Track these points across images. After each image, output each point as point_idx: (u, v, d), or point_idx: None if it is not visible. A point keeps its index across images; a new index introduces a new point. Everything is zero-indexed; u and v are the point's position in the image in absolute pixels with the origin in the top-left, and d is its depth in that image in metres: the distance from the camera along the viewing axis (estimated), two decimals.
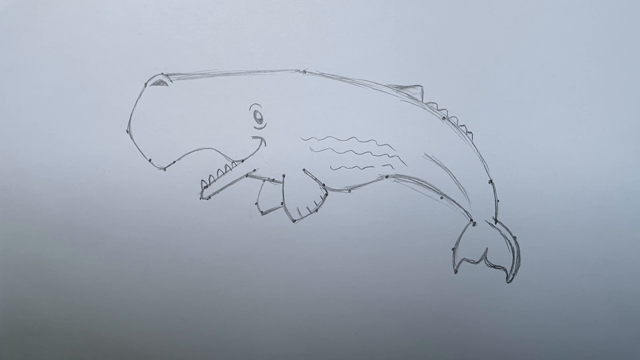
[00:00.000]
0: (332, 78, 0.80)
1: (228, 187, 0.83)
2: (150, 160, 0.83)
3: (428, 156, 0.82)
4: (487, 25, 0.78)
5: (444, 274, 0.85)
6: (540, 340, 0.87)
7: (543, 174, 0.81)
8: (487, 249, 0.84)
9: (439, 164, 0.82)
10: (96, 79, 0.82)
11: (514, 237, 0.83)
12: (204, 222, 0.84)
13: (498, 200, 0.82)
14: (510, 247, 0.83)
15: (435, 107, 0.81)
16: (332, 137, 0.81)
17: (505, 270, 0.84)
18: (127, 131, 0.83)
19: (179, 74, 0.81)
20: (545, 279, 0.85)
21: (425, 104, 0.80)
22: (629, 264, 0.84)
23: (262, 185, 0.83)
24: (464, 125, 0.81)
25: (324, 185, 0.83)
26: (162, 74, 0.81)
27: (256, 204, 0.84)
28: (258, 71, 0.80)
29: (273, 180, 0.83)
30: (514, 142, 0.81)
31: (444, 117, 0.81)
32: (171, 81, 0.81)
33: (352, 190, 0.83)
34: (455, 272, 0.85)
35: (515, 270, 0.84)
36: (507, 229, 0.83)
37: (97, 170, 0.84)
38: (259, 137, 0.82)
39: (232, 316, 0.88)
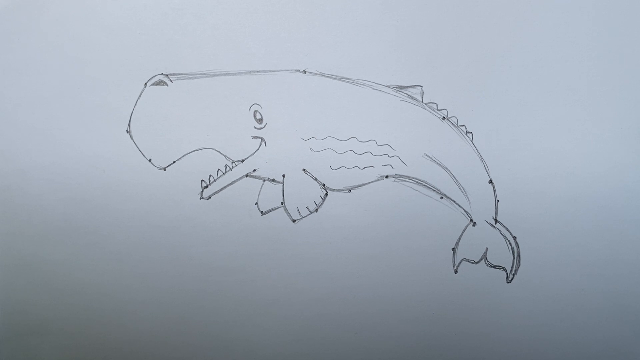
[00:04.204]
0: (332, 78, 0.80)
1: (228, 187, 0.83)
2: (150, 160, 0.83)
3: (428, 156, 0.82)
4: (487, 25, 0.78)
5: (444, 274, 0.85)
6: (540, 340, 0.87)
7: (543, 174, 0.81)
8: (487, 249, 0.84)
9: (439, 164, 0.82)
10: (96, 79, 0.82)
11: (514, 237, 0.83)
12: (204, 222, 0.84)
13: (498, 200, 0.82)
14: (510, 247, 0.83)
15: (435, 107, 0.81)
16: (332, 137, 0.81)
17: (505, 270, 0.84)
18: (127, 131, 0.83)
19: (179, 74, 0.81)
20: (545, 279, 0.85)
21: (425, 104, 0.80)
22: (629, 264, 0.84)
23: (262, 185, 0.83)
24: (464, 125, 0.81)
25: (324, 185, 0.83)
26: (162, 74, 0.81)
27: (256, 204, 0.84)
28: (258, 71, 0.80)
29: (273, 180, 0.83)
30: (514, 142, 0.81)
31: (444, 117, 0.81)
32: (171, 81, 0.81)
33: (352, 190, 0.83)
34: (455, 272, 0.85)
35: (515, 270, 0.84)
36: (507, 229, 0.83)
37: (97, 170, 0.84)
38: (259, 137, 0.82)
39: (232, 316, 0.88)
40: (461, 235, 0.83)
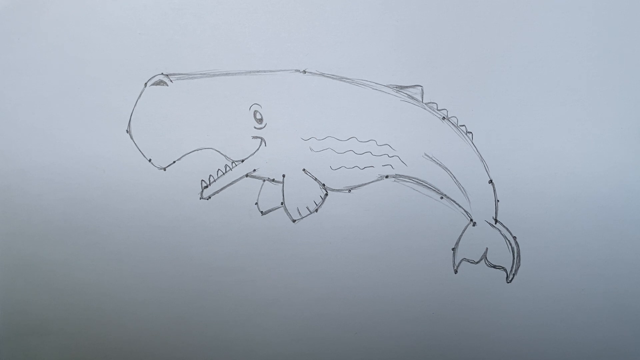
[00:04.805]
0: (332, 78, 0.80)
1: (228, 187, 0.83)
2: (150, 160, 0.83)
3: (428, 156, 0.82)
4: (487, 25, 0.78)
5: (444, 274, 0.85)
6: (540, 340, 0.87)
7: (543, 174, 0.81)
8: (487, 249, 0.84)
9: (439, 164, 0.82)
10: (96, 79, 0.82)
11: (514, 237, 0.83)
12: (204, 222, 0.84)
13: (498, 200, 0.82)
14: (510, 247, 0.83)
15: (435, 107, 0.81)
16: (332, 137, 0.81)
17: (505, 270, 0.84)
18: (127, 131, 0.83)
19: (179, 74, 0.81)
20: (545, 279, 0.85)
21: (425, 104, 0.80)
22: (629, 264, 0.84)
23: (262, 185, 0.83)
24: (464, 125, 0.81)
25: (324, 185, 0.83)
26: (162, 74, 0.81)
27: (256, 204, 0.84)
28: (258, 71, 0.80)
29: (273, 180, 0.83)
30: (514, 142, 0.81)
31: (444, 117, 0.81)
32: (171, 81, 0.81)
33: (352, 190, 0.83)
34: (455, 272, 0.85)
35: (515, 270, 0.84)
36: (507, 229, 0.83)
37: (97, 170, 0.84)
38: (259, 137, 0.82)
39: (232, 316, 0.88)
40: (461, 235, 0.83)
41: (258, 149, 0.82)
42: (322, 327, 0.88)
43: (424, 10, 0.78)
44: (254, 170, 0.83)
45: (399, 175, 0.82)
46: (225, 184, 0.83)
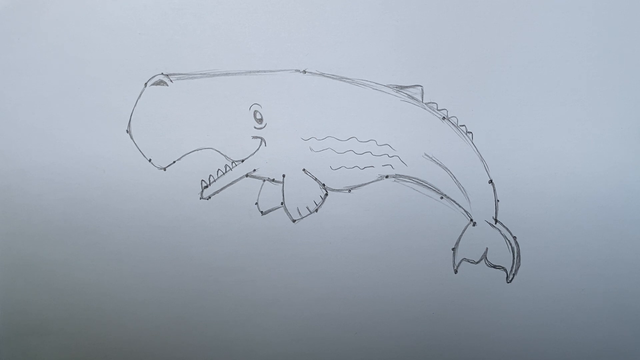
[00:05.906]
0: (332, 78, 0.80)
1: (228, 187, 0.83)
2: (150, 160, 0.83)
3: (428, 156, 0.82)
4: (487, 25, 0.78)
5: (444, 274, 0.85)
6: (540, 340, 0.87)
7: (543, 174, 0.81)
8: (487, 249, 0.84)
9: (439, 164, 0.82)
10: (96, 79, 0.82)
11: (514, 237, 0.83)
12: (204, 222, 0.84)
13: (498, 200, 0.82)
14: (510, 247, 0.83)
15: (435, 107, 0.81)
16: (332, 137, 0.81)
17: (505, 270, 0.84)
18: (127, 131, 0.83)
19: (179, 74, 0.81)
20: (545, 279, 0.85)
21: (425, 104, 0.80)
22: (629, 264, 0.84)
23: (262, 185, 0.83)
24: (464, 125, 0.81)
25: (324, 185, 0.83)
26: (162, 74, 0.81)
27: (256, 204, 0.84)
28: (258, 71, 0.80)
29: (273, 180, 0.83)
30: (514, 142, 0.81)
31: (444, 117, 0.81)
32: (171, 81, 0.81)
33: (352, 190, 0.83)
34: (455, 272, 0.85)
35: (515, 270, 0.84)
36: (507, 229, 0.83)
37: (97, 170, 0.84)
38: (259, 137, 0.82)
39: (232, 316, 0.88)
40: (461, 235, 0.83)
41: (258, 149, 0.82)
42: (322, 327, 0.88)
43: (424, 10, 0.78)
44: (254, 170, 0.83)
45: (399, 175, 0.82)
46: (225, 184, 0.83)
